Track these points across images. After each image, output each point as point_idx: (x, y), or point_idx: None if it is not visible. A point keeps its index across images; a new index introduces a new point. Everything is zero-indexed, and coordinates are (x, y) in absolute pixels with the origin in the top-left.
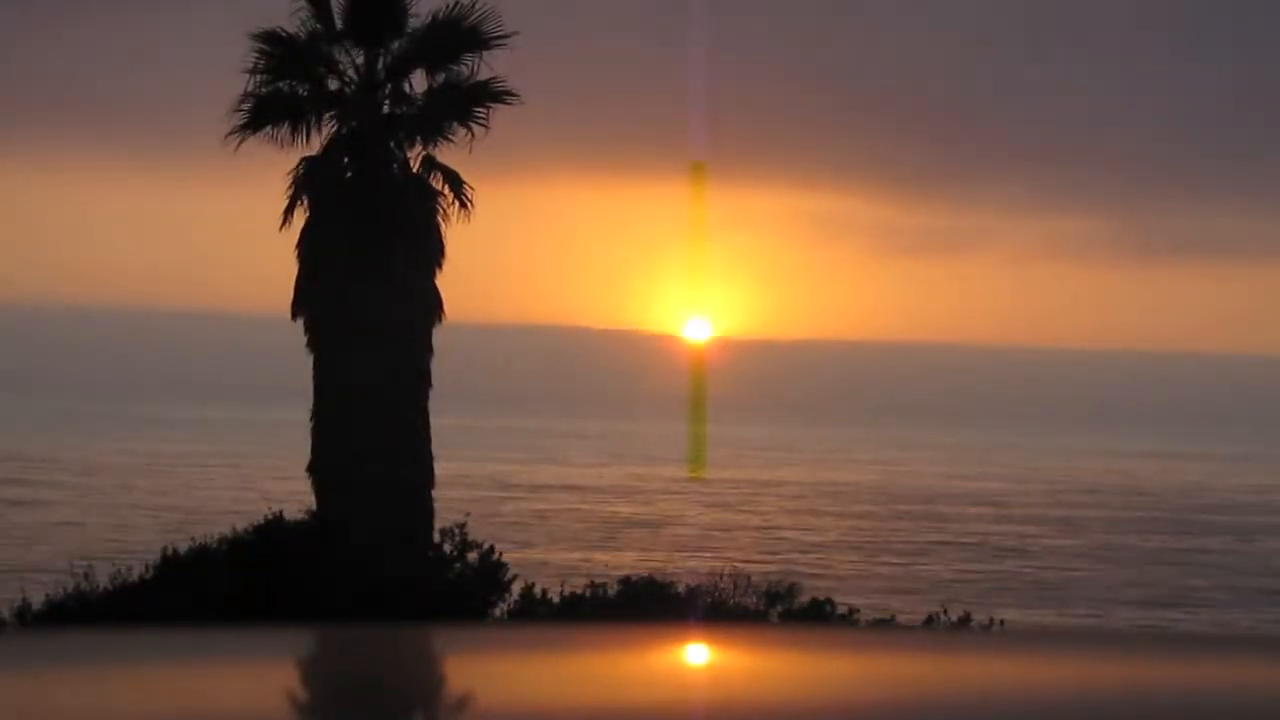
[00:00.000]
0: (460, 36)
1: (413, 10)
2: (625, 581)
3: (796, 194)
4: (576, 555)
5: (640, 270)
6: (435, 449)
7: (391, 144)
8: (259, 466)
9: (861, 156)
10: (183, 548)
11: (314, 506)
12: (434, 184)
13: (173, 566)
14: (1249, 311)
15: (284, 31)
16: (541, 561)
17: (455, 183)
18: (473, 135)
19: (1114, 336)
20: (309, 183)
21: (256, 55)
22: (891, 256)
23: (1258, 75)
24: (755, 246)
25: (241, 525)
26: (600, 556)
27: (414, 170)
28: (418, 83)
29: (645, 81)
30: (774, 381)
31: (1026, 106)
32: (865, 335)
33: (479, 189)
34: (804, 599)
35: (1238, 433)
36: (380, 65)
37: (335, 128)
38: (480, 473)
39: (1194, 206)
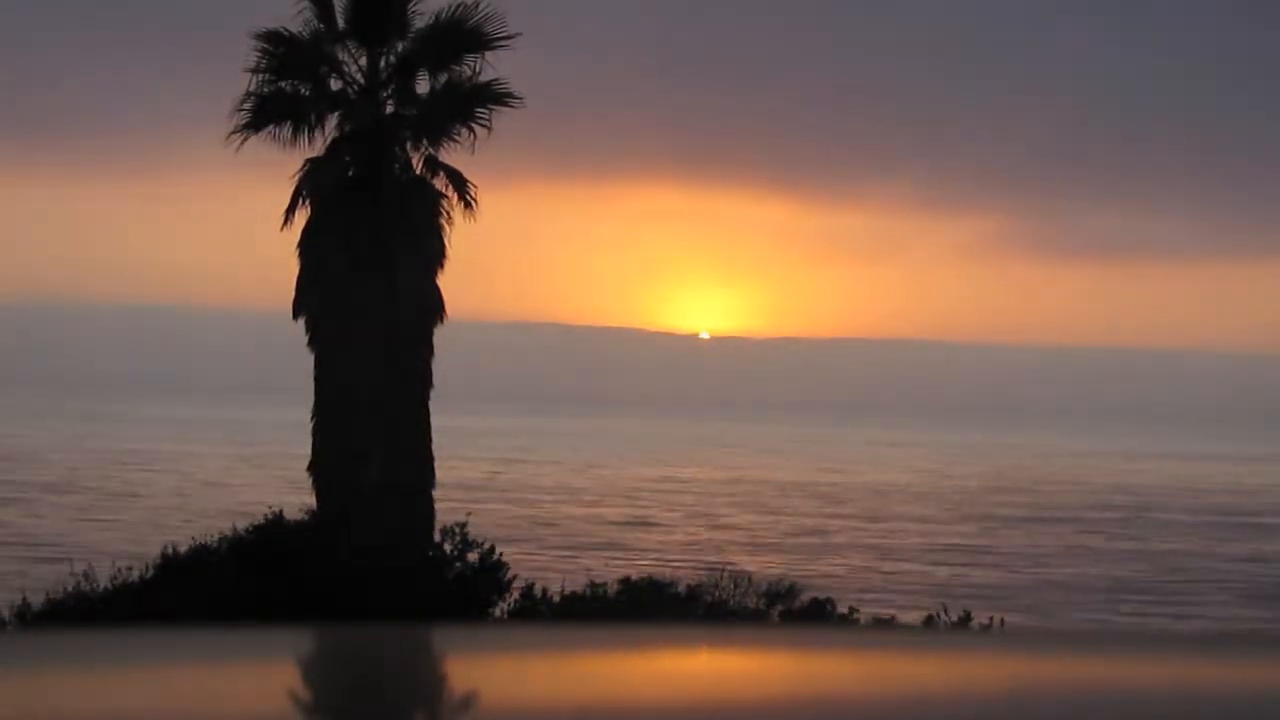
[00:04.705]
0: (463, 37)
1: (416, 10)
2: (625, 581)
3: (725, 197)
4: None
5: (626, 271)
6: (436, 449)
7: (394, 144)
8: (258, 464)
9: (777, 159)
10: (183, 548)
11: (314, 506)
12: (438, 184)
13: (173, 566)
14: (1146, 307)
15: (286, 31)
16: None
17: (459, 182)
18: (475, 136)
19: (1082, 334)
20: (311, 182)
21: (259, 55)
22: (827, 258)
23: (1156, 75)
24: (716, 247)
25: (241, 525)
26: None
27: (416, 170)
28: (421, 83)
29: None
30: (764, 379)
31: (939, 111)
32: (823, 333)
33: (481, 189)
34: (804, 599)
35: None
36: (383, 65)
37: (338, 128)
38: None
39: (1094, 205)
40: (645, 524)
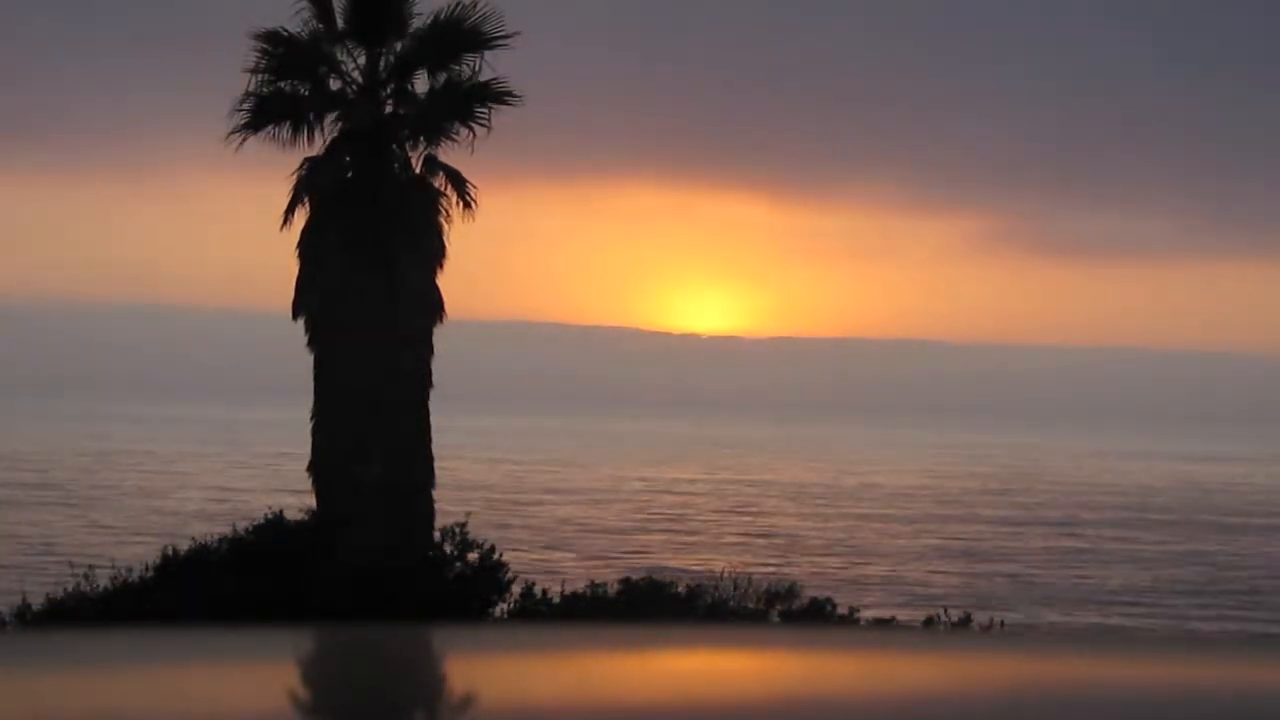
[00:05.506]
0: (462, 36)
1: (415, 10)
2: (625, 581)
3: (702, 197)
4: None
5: (624, 271)
6: (435, 449)
7: (393, 144)
8: (257, 465)
9: (760, 158)
10: (183, 548)
11: (314, 506)
12: (436, 184)
13: (173, 566)
14: (1141, 307)
15: (285, 31)
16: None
17: (458, 182)
18: (474, 135)
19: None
20: (310, 182)
21: (258, 55)
22: (805, 258)
23: (1140, 78)
24: (714, 247)
25: (241, 525)
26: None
27: (416, 170)
28: (420, 83)
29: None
30: (762, 379)
31: (922, 109)
32: (821, 332)
33: (482, 188)
34: (804, 599)
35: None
36: (382, 65)
37: (337, 128)
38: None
39: (1082, 206)
40: (642, 525)
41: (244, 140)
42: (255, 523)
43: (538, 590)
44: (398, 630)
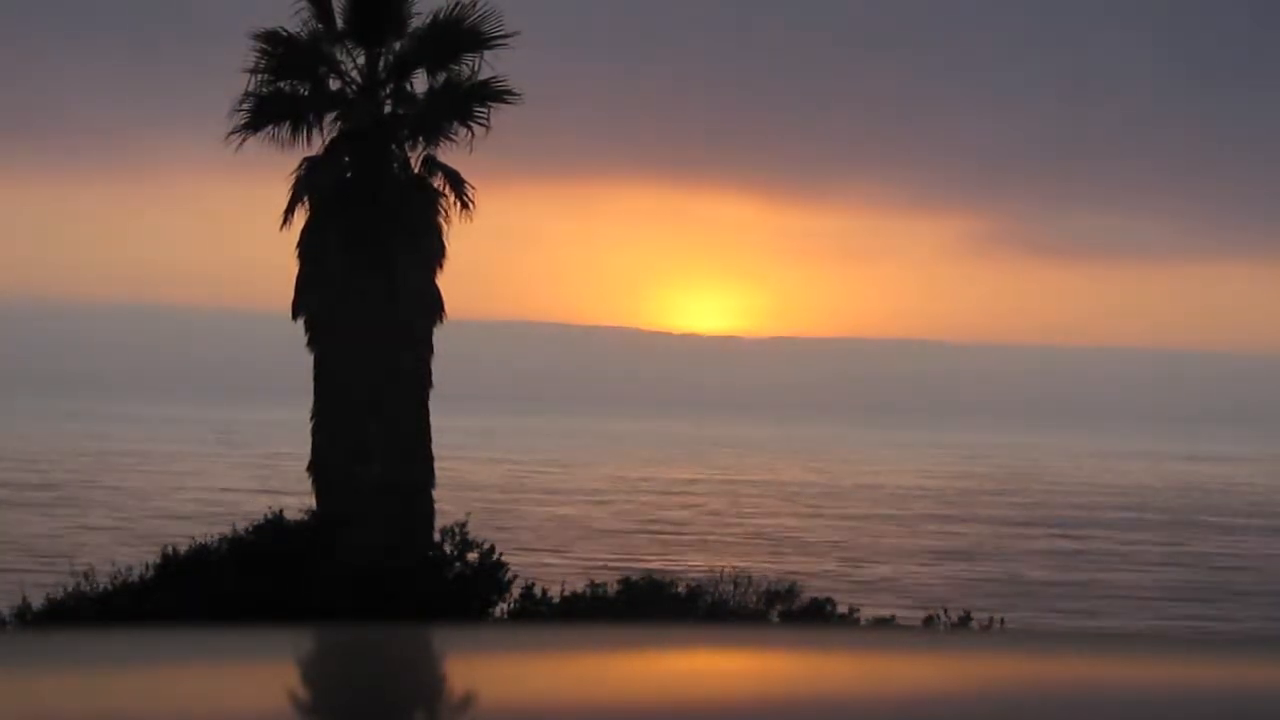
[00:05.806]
0: (461, 36)
1: (414, 9)
2: (625, 581)
3: (693, 196)
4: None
5: (622, 271)
6: (435, 449)
7: (393, 144)
8: (256, 465)
9: (755, 159)
10: (183, 548)
11: (314, 506)
12: (435, 184)
13: (173, 566)
14: (1135, 307)
15: (285, 31)
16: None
17: (456, 182)
18: (473, 135)
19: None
20: (310, 182)
21: (257, 55)
22: (797, 258)
23: (1131, 76)
24: (713, 248)
25: (241, 525)
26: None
27: (415, 170)
28: (419, 83)
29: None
30: (761, 379)
31: (919, 110)
32: (819, 332)
33: (479, 188)
34: (804, 599)
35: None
36: (381, 65)
37: (336, 127)
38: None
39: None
40: (642, 525)
41: (244, 140)
42: (255, 523)
43: (538, 590)
44: (398, 630)
